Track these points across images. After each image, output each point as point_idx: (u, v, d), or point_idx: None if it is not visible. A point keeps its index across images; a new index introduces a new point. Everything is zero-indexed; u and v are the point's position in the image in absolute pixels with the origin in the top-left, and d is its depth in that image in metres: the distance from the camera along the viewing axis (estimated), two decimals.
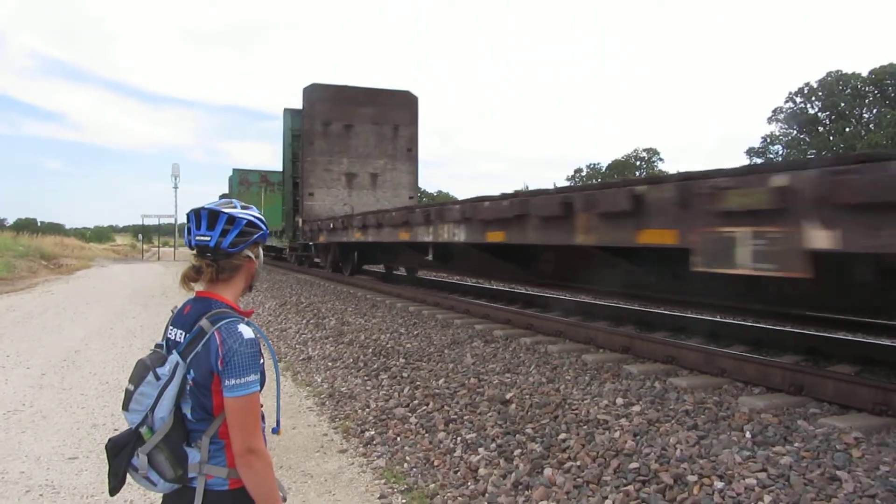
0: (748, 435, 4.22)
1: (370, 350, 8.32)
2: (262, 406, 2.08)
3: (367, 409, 6.10)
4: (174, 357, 1.99)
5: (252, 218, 2.12)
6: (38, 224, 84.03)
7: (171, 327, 2.11)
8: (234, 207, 2.11)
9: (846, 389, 4.79)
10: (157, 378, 1.98)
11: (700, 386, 5.42)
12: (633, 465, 4.05)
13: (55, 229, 71.37)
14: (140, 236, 62.36)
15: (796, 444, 4.03)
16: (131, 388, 2.00)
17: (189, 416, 2.00)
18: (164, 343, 2.11)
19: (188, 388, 1.98)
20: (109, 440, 2.06)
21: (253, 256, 2.16)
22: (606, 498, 3.79)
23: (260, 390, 2.02)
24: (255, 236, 2.12)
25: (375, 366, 7.53)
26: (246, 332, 1.97)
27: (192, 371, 1.97)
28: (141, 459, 1.98)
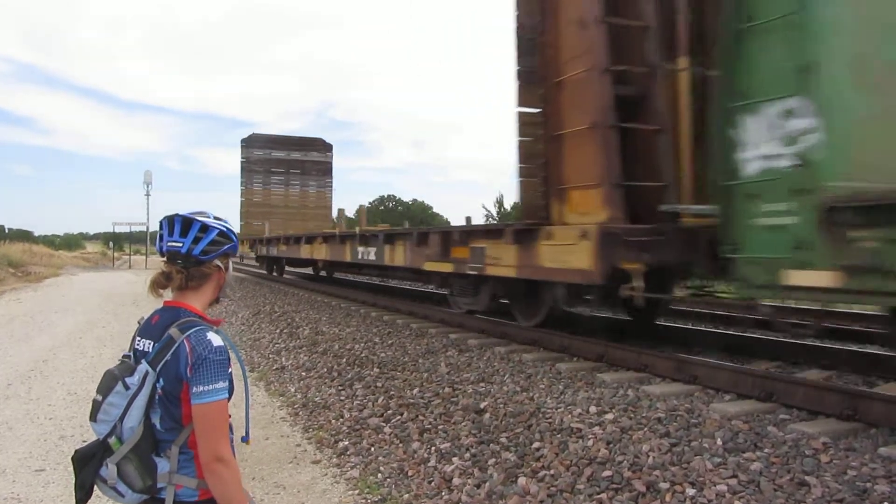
0: (719, 441, 4.26)
1: (344, 360, 8.28)
2: (230, 417, 2.07)
3: (341, 420, 6.06)
4: (143, 366, 1.98)
5: (224, 228, 2.15)
6: (6, 231, 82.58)
7: (138, 337, 2.10)
8: (208, 217, 2.14)
9: (815, 395, 4.87)
10: (126, 388, 1.97)
11: (672, 393, 5.47)
12: (607, 472, 4.07)
13: (23, 236, 70.18)
14: (111, 244, 61.50)
15: (766, 450, 4.07)
16: (99, 398, 1.99)
17: (158, 425, 1.99)
18: (131, 354, 2.10)
19: (157, 397, 1.97)
20: (76, 451, 2.04)
21: (223, 267, 2.19)
22: None
23: (229, 399, 2.01)
24: (226, 247, 2.16)
25: (349, 375, 7.49)
26: (215, 339, 1.99)
27: (161, 380, 1.96)
28: (110, 469, 1.97)
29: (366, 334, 9.73)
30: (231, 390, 2.04)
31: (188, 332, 1.97)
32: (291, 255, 17.95)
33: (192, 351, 1.94)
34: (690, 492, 3.68)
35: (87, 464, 2.00)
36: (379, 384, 6.92)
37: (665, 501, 3.65)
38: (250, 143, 26.39)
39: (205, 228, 2.09)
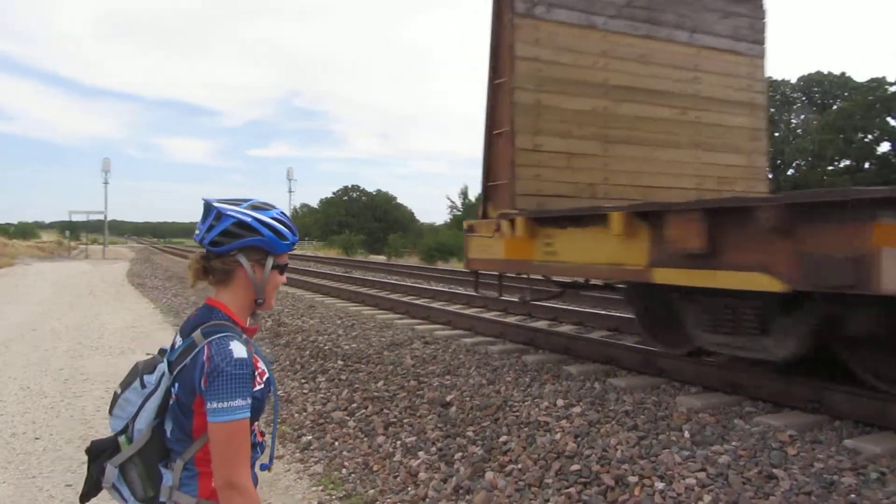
0: (687, 434, 4.25)
1: (307, 352, 8.14)
2: (263, 435, 1.93)
3: (304, 413, 5.94)
4: (163, 365, 1.81)
5: (246, 218, 1.81)
6: None
7: (178, 332, 1.90)
8: (237, 205, 1.84)
9: (780, 388, 4.89)
10: (143, 386, 1.81)
11: (639, 386, 5.46)
12: (575, 466, 4.03)
13: None
14: (67, 233, 60.14)
15: (734, 443, 4.07)
16: (118, 391, 1.85)
17: (169, 434, 1.81)
18: (169, 348, 1.90)
19: (171, 402, 1.78)
20: (91, 443, 1.89)
21: (245, 264, 1.84)
22: (548, 501, 3.76)
23: (255, 419, 1.81)
24: (241, 241, 1.81)
25: (313, 368, 7.36)
26: (238, 350, 1.74)
27: (176, 385, 1.77)
28: (108, 471, 1.82)
29: (329, 326, 9.59)
30: (259, 409, 1.84)
31: (210, 338, 1.75)
32: None
33: (209, 360, 1.71)
34: (660, 485, 3.65)
35: (98, 458, 1.85)
36: (343, 377, 6.81)
37: (634, 495, 3.62)
38: None
39: (219, 216, 1.80)
